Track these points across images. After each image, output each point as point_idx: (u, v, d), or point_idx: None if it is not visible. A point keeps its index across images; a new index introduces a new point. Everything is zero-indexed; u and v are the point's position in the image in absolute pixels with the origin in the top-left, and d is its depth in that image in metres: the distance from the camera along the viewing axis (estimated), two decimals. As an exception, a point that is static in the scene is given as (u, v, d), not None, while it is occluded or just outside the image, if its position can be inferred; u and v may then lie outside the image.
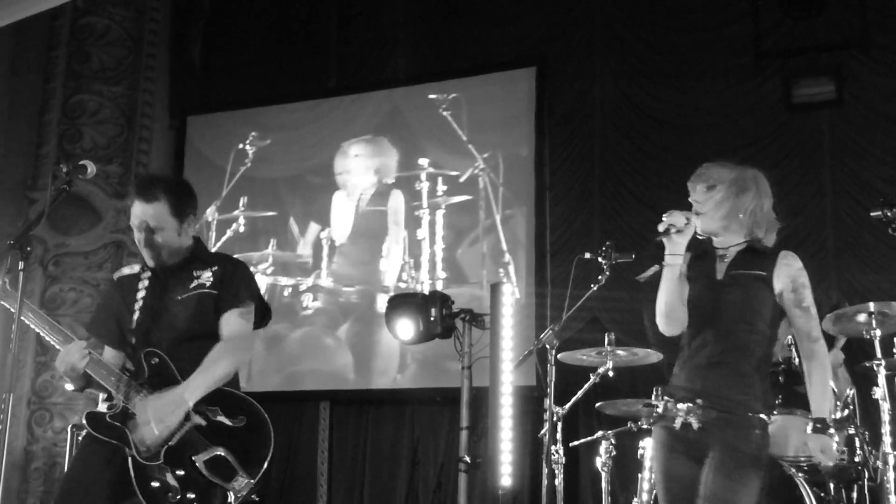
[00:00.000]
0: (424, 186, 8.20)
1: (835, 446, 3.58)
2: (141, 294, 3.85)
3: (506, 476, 5.07)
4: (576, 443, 5.85)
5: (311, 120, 8.88)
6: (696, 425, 3.44)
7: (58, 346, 3.73)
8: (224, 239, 8.82)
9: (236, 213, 8.85)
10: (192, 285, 3.81)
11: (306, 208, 8.66)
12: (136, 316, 3.81)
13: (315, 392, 8.36)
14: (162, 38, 9.18)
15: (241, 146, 8.99)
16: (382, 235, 8.36)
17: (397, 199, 8.40)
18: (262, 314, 3.98)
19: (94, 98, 8.71)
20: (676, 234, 3.62)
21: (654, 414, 3.56)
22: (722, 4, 7.73)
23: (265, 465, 3.64)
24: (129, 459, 3.57)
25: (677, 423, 3.47)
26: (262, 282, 8.55)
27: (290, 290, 8.50)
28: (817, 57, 7.35)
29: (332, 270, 8.43)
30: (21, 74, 8.73)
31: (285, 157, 8.85)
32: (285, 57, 9.13)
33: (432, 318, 5.99)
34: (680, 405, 3.48)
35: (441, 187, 8.13)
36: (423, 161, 8.25)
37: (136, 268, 3.97)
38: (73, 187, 3.66)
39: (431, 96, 8.31)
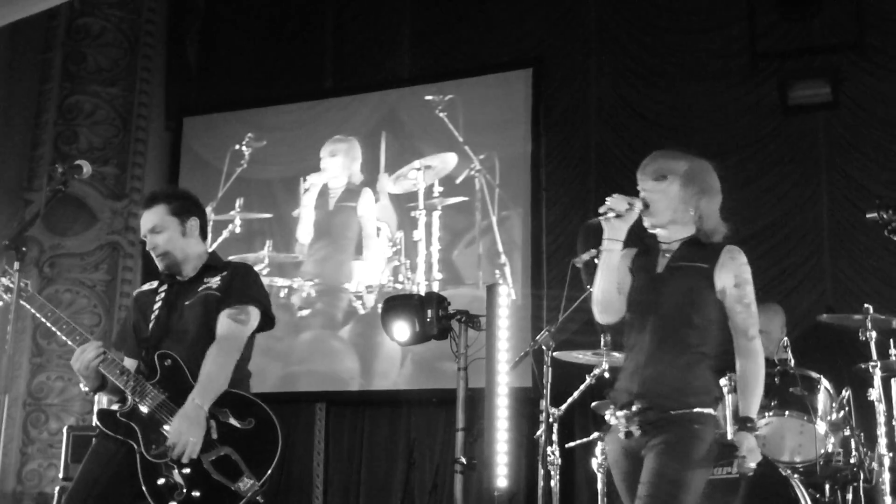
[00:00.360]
0: (421, 188, 8.20)
1: (759, 447, 3.45)
2: (157, 306, 3.94)
3: (501, 477, 5.08)
4: (572, 444, 5.86)
5: (307, 121, 8.88)
6: (636, 432, 3.34)
7: (75, 346, 3.80)
8: (220, 240, 8.81)
9: (232, 213, 8.84)
10: (200, 289, 3.91)
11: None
12: (151, 325, 3.91)
13: (311, 393, 8.35)
14: (158, 39, 9.17)
15: (237, 147, 8.98)
16: (352, 234, 8.40)
17: (367, 198, 8.44)
18: (267, 318, 4.04)
19: (90, 99, 8.70)
20: (617, 218, 3.52)
21: (606, 428, 3.49)
22: (718, 6, 7.73)
23: (272, 466, 3.67)
24: (138, 456, 3.63)
25: (621, 434, 3.38)
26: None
27: (285, 290, 8.50)
28: (813, 59, 7.36)
29: (303, 271, 8.45)
30: (17, 75, 8.71)
31: (281, 158, 8.85)
32: (281, 58, 9.13)
33: (428, 320, 5.99)
34: (619, 413, 3.39)
35: (437, 188, 8.13)
36: (419, 162, 8.25)
37: (154, 284, 4.09)
38: (68, 188, 3.68)
39: (428, 97, 8.31)
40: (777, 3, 7.34)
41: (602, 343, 5.36)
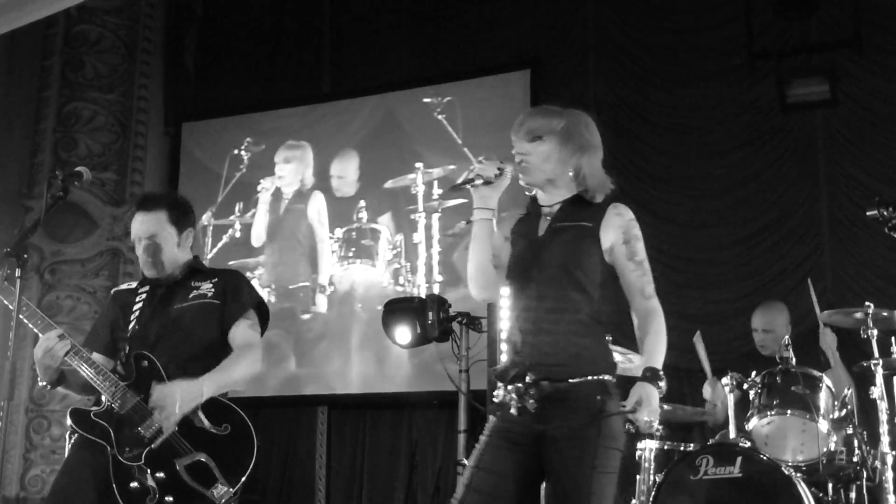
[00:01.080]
0: (420, 190, 8.20)
1: (657, 402, 3.05)
2: (138, 306, 3.88)
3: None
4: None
5: (305, 125, 8.88)
6: (532, 406, 3.04)
7: (38, 332, 3.72)
8: (220, 245, 8.82)
9: (232, 218, 8.84)
10: (192, 295, 3.86)
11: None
12: (131, 325, 3.83)
13: (313, 396, 8.35)
14: (156, 45, 9.18)
15: (236, 152, 8.98)
16: (301, 236, 8.52)
17: (318, 200, 8.55)
18: (263, 322, 4.03)
19: (89, 106, 8.71)
20: (486, 185, 3.23)
21: (495, 406, 3.17)
22: (715, 5, 7.74)
23: (246, 474, 3.62)
24: (110, 458, 3.57)
25: (514, 410, 3.07)
26: (258, 288, 8.56)
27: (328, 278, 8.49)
28: (811, 57, 7.36)
29: (258, 275, 8.48)
30: (16, 83, 8.72)
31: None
32: (279, 62, 9.14)
33: (429, 322, 6.00)
34: (510, 387, 3.09)
35: (436, 191, 8.13)
36: (419, 164, 8.25)
37: (133, 284, 4.04)
38: (68, 194, 3.66)
39: (426, 100, 8.31)
40: (774, 2, 7.33)
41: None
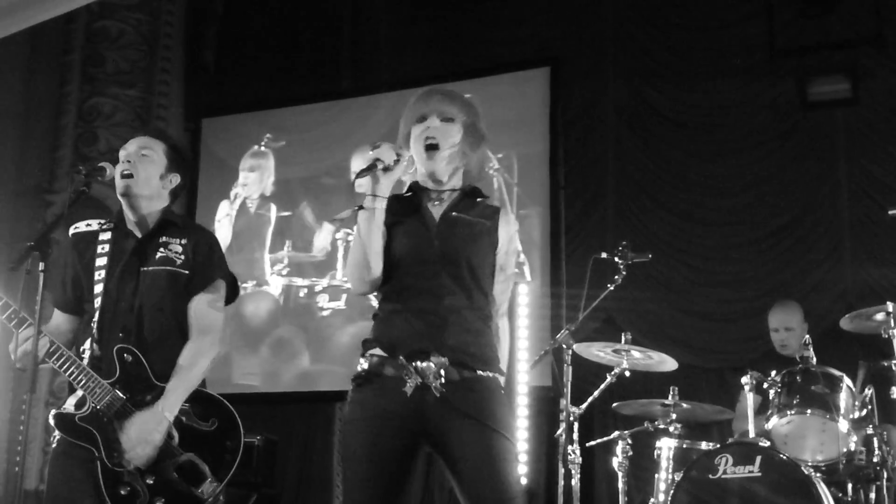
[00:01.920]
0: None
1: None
2: (103, 260, 3.65)
3: (521, 476, 5.07)
4: (592, 443, 5.85)
5: (325, 121, 8.90)
6: (438, 390, 2.91)
7: (10, 326, 3.53)
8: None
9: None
10: (159, 256, 3.65)
11: (321, 209, 8.67)
12: (97, 284, 3.63)
13: (330, 392, 8.37)
14: (176, 40, 9.20)
15: (255, 148, 9.02)
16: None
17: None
18: (232, 290, 3.82)
19: (110, 101, 8.73)
20: (384, 171, 3.05)
21: (367, 375, 3.05)
22: (736, 3, 7.71)
23: (234, 467, 3.56)
24: (98, 463, 3.47)
25: (409, 388, 2.92)
26: (278, 283, 8.60)
27: (305, 290, 8.52)
28: (832, 55, 7.33)
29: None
30: (37, 78, 8.76)
31: (299, 158, 8.87)
32: (299, 59, 9.16)
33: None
34: (418, 363, 2.94)
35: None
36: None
37: (93, 224, 3.78)
38: (91, 190, 3.63)
39: (445, 97, 8.30)
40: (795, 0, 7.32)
41: (623, 341, 5.34)
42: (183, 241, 3.69)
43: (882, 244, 6.94)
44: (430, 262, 3.04)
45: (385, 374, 2.99)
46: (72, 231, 3.78)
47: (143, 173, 3.65)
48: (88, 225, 3.76)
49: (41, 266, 3.22)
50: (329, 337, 8.39)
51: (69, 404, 3.60)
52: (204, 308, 3.64)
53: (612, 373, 5.37)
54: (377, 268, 3.04)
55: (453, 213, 3.12)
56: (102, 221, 3.75)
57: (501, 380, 3.07)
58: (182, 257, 3.66)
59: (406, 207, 3.16)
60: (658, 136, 7.73)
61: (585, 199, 7.77)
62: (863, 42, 7.26)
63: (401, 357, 2.97)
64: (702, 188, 7.53)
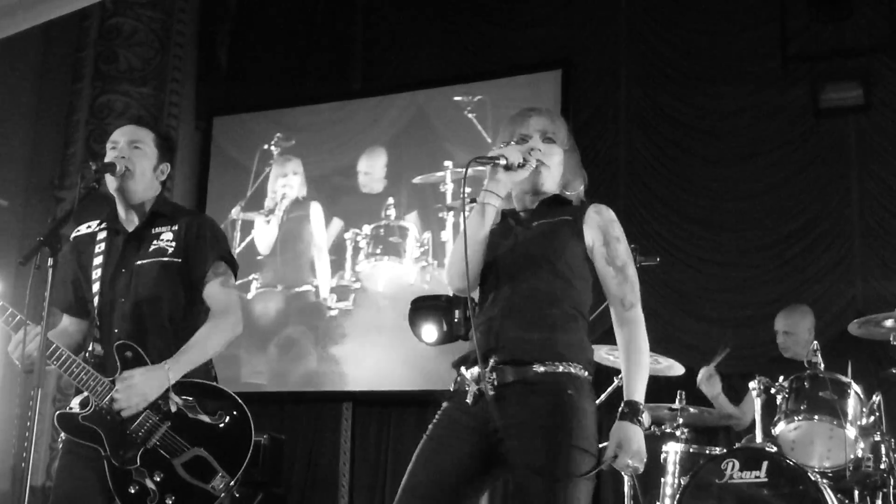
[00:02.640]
0: (449, 188, 8.21)
1: (641, 443, 2.80)
2: (98, 259, 3.64)
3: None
4: (599, 446, 5.82)
5: (336, 121, 8.91)
6: (490, 392, 2.78)
7: (8, 328, 3.48)
8: (248, 239, 8.87)
9: (261, 212, 8.91)
10: (152, 248, 3.61)
11: (331, 208, 8.68)
12: (95, 284, 3.61)
13: (337, 393, 8.38)
14: (189, 39, 9.24)
15: (266, 147, 9.04)
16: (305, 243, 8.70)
17: (317, 210, 8.72)
18: (232, 270, 3.74)
19: (121, 98, 8.75)
20: (506, 170, 2.93)
21: (450, 393, 2.96)
22: (748, 8, 7.69)
23: (245, 462, 3.49)
24: (105, 463, 3.43)
25: (469, 398, 2.85)
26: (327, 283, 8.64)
27: (314, 290, 8.53)
28: (845, 61, 7.31)
29: (359, 273, 8.48)
30: (49, 75, 8.80)
31: (310, 158, 8.89)
32: (311, 59, 9.17)
33: (456, 321, 6.00)
34: (470, 372, 2.87)
35: (466, 189, 8.12)
36: (448, 163, 8.25)
37: (92, 225, 3.76)
38: (101, 186, 3.63)
39: (456, 98, 8.32)
40: (808, 5, 7.29)
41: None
42: (173, 228, 3.64)
43: (893, 251, 6.92)
44: (507, 275, 2.94)
45: (457, 388, 2.94)
46: (73, 235, 3.79)
47: (138, 167, 3.62)
48: (88, 227, 3.76)
49: (50, 261, 3.21)
50: (337, 337, 8.40)
51: (74, 403, 3.56)
52: (217, 290, 3.60)
53: (620, 376, 5.35)
54: (477, 266, 2.95)
55: (536, 222, 3.03)
56: (99, 222, 3.74)
57: (580, 371, 2.85)
58: (173, 244, 3.61)
59: (499, 228, 3.06)
60: (669, 141, 7.72)
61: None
62: (876, 49, 7.24)
63: (463, 368, 2.93)
64: (712, 193, 7.52)
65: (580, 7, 8.20)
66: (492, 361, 2.82)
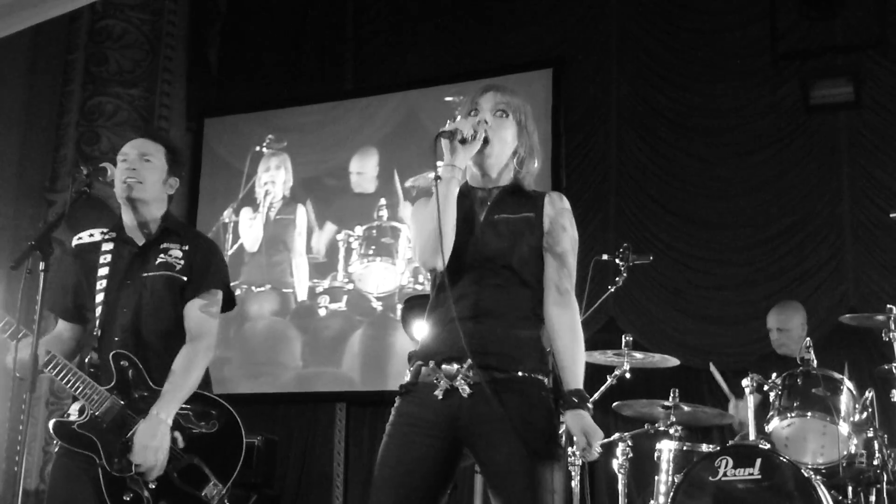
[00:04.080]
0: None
1: (594, 425, 2.83)
2: (104, 270, 3.66)
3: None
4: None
5: (327, 122, 8.90)
6: (466, 391, 2.83)
7: (7, 338, 3.52)
8: (240, 241, 8.86)
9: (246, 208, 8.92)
10: (159, 262, 3.66)
11: (322, 210, 8.68)
12: (98, 294, 3.64)
13: (331, 393, 8.38)
14: (179, 40, 9.21)
15: (257, 148, 9.02)
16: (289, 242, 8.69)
17: (302, 212, 8.74)
18: (228, 300, 3.79)
19: (112, 100, 8.73)
20: (461, 143, 2.94)
21: (406, 385, 2.97)
22: (739, 6, 7.71)
23: (237, 469, 3.55)
24: (100, 471, 3.46)
25: (439, 392, 2.86)
26: (304, 285, 8.63)
27: (306, 291, 8.52)
28: (835, 58, 7.33)
29: (353, 274, 8.48)
30: (39, 77, 8.77)
31: (302, 159, 8.88)
32: (301, 59, 9.16)
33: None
34: (445, 367, 2.86)
35: (437, 164, 8.11)
36: (441, 163, 8.23)
37: (95, 234, 3.79)
38: (92, 189, 3.63)
39: (448, 98, 8.31)
40: (798, 3, 7.31)
41: (623, 343, 5.34)
42: (184, 248, 3.70)
43: (884, 247, 6.93)
44: (471, 269, 2.94)
45: (420, 381, 2.93)
46: (74, 242, 3.80)
47: (148, 179, 3.66)
48: (91, 235, 3.79)
49: (42, 265, 3.21)
50: (329, 338, 8.39)
51: (72, 410, 3.59)
52: (196, 313, 3.64)
53: (613, 374, 5.36)
54: (451, 240, 2.89)
55: (495, 216, 3.01)
56: (104, 231, 3.77)
57: (545, 378, 2.91)
58: (181, 262, 3.66)
59: (460, 207, 3.00)
60: (660, 139, 7.73)
61: (587, 200, 7.77)
62: (866, 45, 7.25)
63: (432, 362, 2.91)
64: (704, 190, 7.53)
65: (571, 6, 8.21)
66: (467, 363, 2.84)
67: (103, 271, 3.66)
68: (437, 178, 2.96)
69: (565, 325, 2.93)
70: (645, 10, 8.00)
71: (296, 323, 8.47)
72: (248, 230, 8.86)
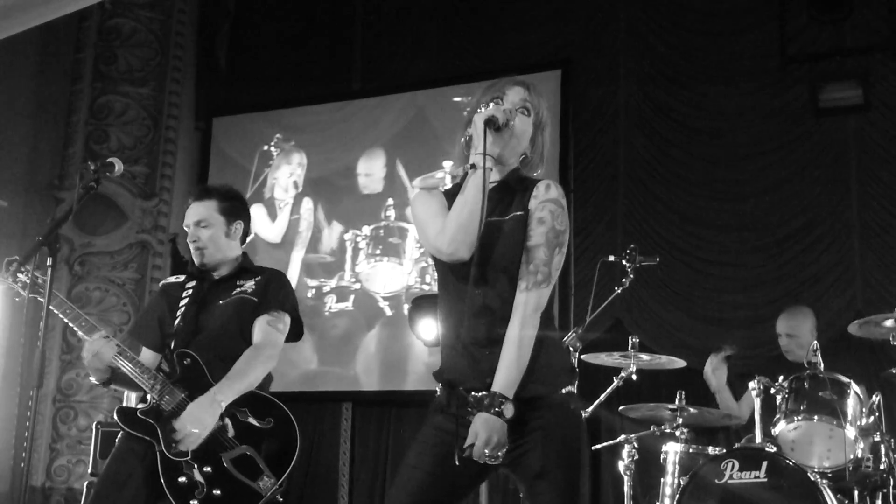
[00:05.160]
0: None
1: (498, 433, 2.71)
2: (184, 302, 3.96)
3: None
4: (598, 446, 5.83)
5: (335, 122, 8.91)
6: (508, 414, 2.75)
7: (84, 335, 3.80)
8: (248, 240, 8.85)
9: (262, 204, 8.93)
10: (235, 292, 3.95)
11: (330, 210, 8.68)
12: (177, 321, 3.92)
13: (337, 393, 8.38)
14: (188, 40, 9.24)
15: (265, 148, 9.04)
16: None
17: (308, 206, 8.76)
18: (296, 329, 4.11)
19: (121, 99, 8.76)
20: (496, 130, 2.85)
21: (440, 405, 2.95)
22: (748, 8, 7.69)
23: (290, 466, 3.73)
24: (158, 454, 3.65)
25: (472, 418, 2.79)
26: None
27: (313, 291, 8.53)
28: (844, 61, 7.31)
29: (356, 273, 8.47)
30: (49, 76, 8.80)
31: (310, 158, 8.89)
32: (310, 59, 9.16)
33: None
34: (475, 395, 2.80)
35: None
36: (447, 164, 8.25)
37: (181, 277, 4.11)
38: (100, 185, 3.68)
39: (456, 99, 8.31)
40: (808, 5, 7.29)
41: (630, 345, 5.33)
42: (257, 279, 4.03)
43: (892, 251, 6.92)
44: (474, 280, 2.82)
45: (453, 404, 2.89)
46: (162, 282, 4.24)
47: (210, 245, 3.98)
48: (177, 278, 4.13)
49: (49, 261, 3.24)
50: (336, 338, 8.40)
51: (134, 398, 3.95)
52: (264, 325, 3.92)
53: (620, 376, 5.36)
54: (474, 235, 2.79)
55: (492, 219, 2.90)
56: (190, 274, 4.09)
57: (570, 389, 2.89)
58: (254, 287, 3.97)
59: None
60: (668, 140, 7.72)
61: (595, 202, 7.76)
62: (875, 49, 7.23)
63: (461, 388, 2.87)
64: (712, 193, 7.52)
65: (580, 7, 8.20)
66: (495, 391, 2.77)
67: (184, 302, 3.98)
68: (472, 166, 2.88)
69: (513, 320, 2.82)
70: (653, 11, 7.99)
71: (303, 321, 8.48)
72: (264, 227, 8.86)
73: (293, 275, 8.57)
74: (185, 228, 4.06)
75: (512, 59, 8.29)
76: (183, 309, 3.96)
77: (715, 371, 5.88)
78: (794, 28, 7.43)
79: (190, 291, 4.01)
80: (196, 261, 4.01)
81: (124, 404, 3.93)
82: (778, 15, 7.49)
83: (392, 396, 8.21)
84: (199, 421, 3.62)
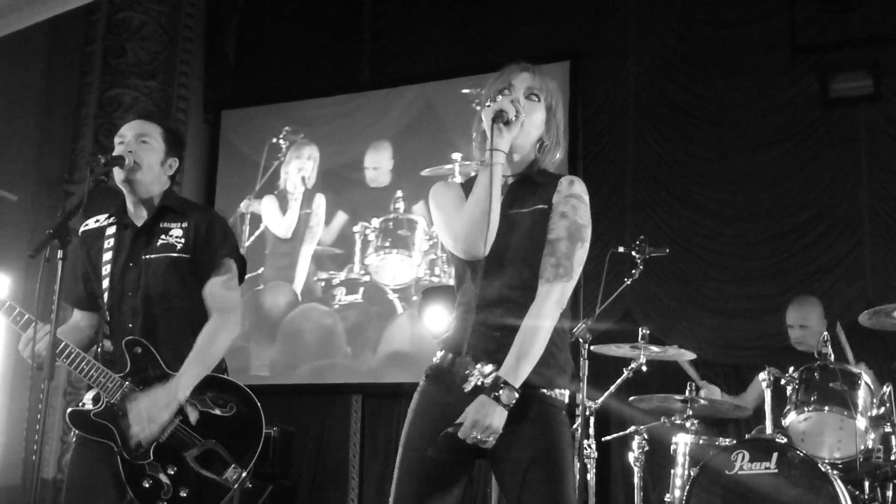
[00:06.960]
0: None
1: (494, 418, 2.67)
2: (108, 255, 3.64)
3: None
4: (608, 437, 5.84)
5: (344, 114, 8.91)
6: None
7: (18, 329, 3.56)
8: (258, 233, 8.88)
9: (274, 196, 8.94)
10: (160, 243, 3.61)
11: (339, 202, 8.69)
12: (104, 280, 3.62)
13: (347, 385, 8.39)
14: (196, 32, 9.25)
15: (274, 140, 9.04)
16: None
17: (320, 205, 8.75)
18: (241, 268, 3.73)
19: (130, 92, 8.77)
20: (505, 125, 2.79)
21: (435, 370, 2.94)
22: (757, -1, 7.68)
23: (257, 453, 3.52)
24: (118, 458, 3.46)
25: (468, 386, 2.77)
26: (302, 277, 8.64)
27: (322, 283, 8.54)
28: (854, 51, 7.28)
29: (365, 265, 8.47)
30: (58, 69, 8.80)
31: (318, 151, 8.89)
32: (318, 52, 9.16)
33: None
34: (482, 367, 2.77)
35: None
36: (456, 155, 8.25)
37: (101, 219, 3.75)
38: (110, 179, 3.63)
39: (464, 91, 8.31)
40: (817, -5, 7.28)
41: (640, 336, 5.33)
42: (183, 225, 3.65)
43: (902, 241, 6.90)
44: (490, 269, 2.80)
45: (451, 370, 2.86)
46: (81, 229, 3.77)
47: (145, 160, 3.61)
48: (97, 221, 3.76)
49: (60, 254, 3.21)
50: (346, 330, 8.41)
51: (86, 399, 3.59)
52: (218, 290, 3.60)
53: (629, 367, 5.36)
54: (494, 228, 2.75)
55: (510, 211, 2.87)
56: (108, 216, 3.74)
57: (558, 393, 2.84)
58: (182, 241, 3.62)
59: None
60: (678, 132, 7.70)
61: (604, 193, 7.75)
62: (885, 38, 7.21)
63: (468, 356, 2.81)
64: (721, 184, 7.50)
65: (588, -1, 8.19)
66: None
67: (107, 256, 3.64)
68: (482, 162, 2.84)
69: (531, 311, 2.79)
70: (662, 2, 7.96)
71: (312, 314, 8.49)
72: (275, 220, 8.87)
73: (303, 268, 8.59)
74: (117, 143, 3.65)
75: (520, 51, 8.24)
76: (109, 267, 3.60)
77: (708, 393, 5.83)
78: (804, 18, 7.40)
79: (111, 241, 3.66)
80: (120, 177, 3.58)
81: (80, 404, 3.58)
82: (787, 5, 7.46)
83: (402, 389, 8.20)
84: (152, 420, 3.38)
